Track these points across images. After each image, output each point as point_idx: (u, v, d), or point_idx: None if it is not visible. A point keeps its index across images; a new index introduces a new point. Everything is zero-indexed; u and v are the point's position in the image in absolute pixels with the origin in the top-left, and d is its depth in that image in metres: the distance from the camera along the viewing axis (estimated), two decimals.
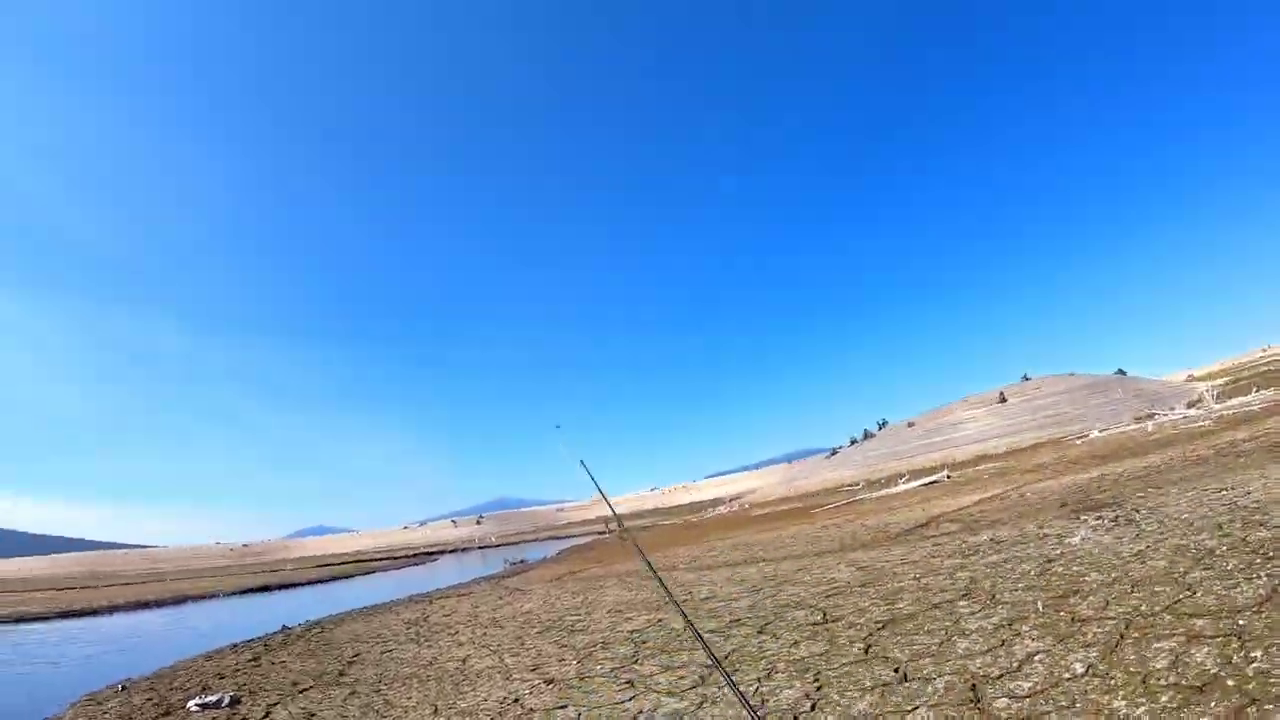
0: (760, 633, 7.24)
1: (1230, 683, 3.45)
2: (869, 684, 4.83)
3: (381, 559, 72.85)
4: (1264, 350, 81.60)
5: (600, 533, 60.83)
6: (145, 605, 32.70)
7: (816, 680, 5.17)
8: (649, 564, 4.10)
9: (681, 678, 6.14)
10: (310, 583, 43.19)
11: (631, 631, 8.82)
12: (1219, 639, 4.01)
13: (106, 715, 9.02)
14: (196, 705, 8.61)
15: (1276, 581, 4.62)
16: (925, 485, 29.48)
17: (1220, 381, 50.59)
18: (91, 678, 12.51)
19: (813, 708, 4.62)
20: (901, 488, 31.29)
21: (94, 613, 30.01)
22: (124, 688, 10.92)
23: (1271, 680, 3.38)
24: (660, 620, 9.18)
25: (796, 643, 6.45)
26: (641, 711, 5.45)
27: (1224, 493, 8.74)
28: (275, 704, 8.36)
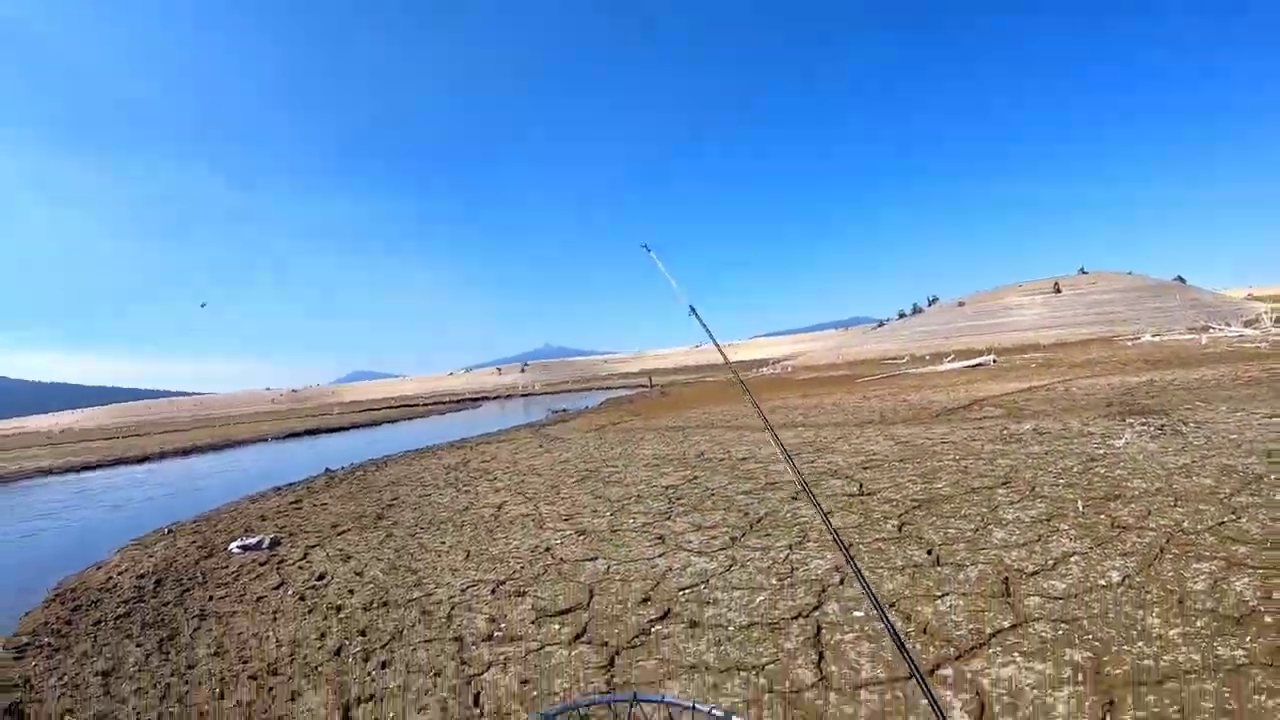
0: (795, 499, 7.46)
1: (1268, 620, 3.43)
2: (900, 563, 4.99)
3: (427, 404, 76.18)
4: None
5: (642, 386, 62.04)
6: (195, 451, 34.72)
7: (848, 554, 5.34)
8: (756, 408, 4.15)
9: (713, 538, 6.36)
10: (356, 427, 45.40)
11: (666, 487, 9.17)
12: (1261, 571, 3.99)
13: (151, 558, 9.44)
14: (238, 547, 9.10)
15: None
16: (970, 367, 29.22)
17: None
18: (145, 520, 13.14)
19: (841, 582, 4.81)
20: (946, 367, 31.10)
21: (145, 459, 31.99)
22: (170, 531, 11.42)
23: None
24: (695, 478, 9.53)
25: (830, 512, 6.64)
26: (670, 569, 5.62)
27: (1275, 419, 8.51)
28: (314, 546, 8.76)
